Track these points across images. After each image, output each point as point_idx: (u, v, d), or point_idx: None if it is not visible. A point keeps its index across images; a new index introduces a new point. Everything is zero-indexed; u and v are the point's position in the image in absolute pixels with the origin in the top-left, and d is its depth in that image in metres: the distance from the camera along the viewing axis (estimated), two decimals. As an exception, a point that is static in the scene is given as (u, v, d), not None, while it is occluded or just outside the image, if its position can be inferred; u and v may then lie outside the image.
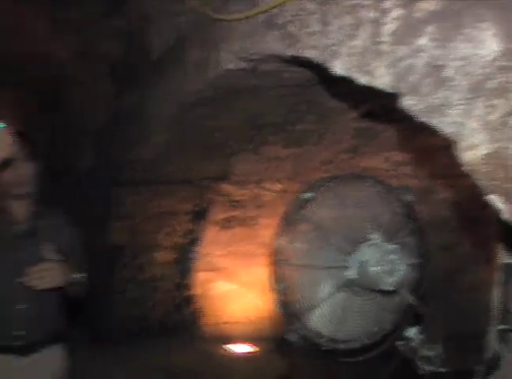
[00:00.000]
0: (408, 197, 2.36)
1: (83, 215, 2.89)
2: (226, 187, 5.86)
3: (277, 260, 2.40)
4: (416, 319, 2.29)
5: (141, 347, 5.87)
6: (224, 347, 6.27)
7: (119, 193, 5.88)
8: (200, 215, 6.09)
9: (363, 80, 2.12)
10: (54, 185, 7.66)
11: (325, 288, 2.37)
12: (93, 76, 6.01)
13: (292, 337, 2.38)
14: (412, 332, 2.22)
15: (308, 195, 2.41)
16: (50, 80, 7.19)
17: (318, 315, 2.40)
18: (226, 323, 6.54)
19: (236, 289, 6.56)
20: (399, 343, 2.25)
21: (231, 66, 3.26)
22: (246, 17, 2.86)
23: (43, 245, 2.64)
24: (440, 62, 1.65)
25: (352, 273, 2.29)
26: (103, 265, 5.59)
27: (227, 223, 6.23)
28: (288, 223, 2.42)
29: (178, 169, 5.42)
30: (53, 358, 2.76)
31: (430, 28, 1.69)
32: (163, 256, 6.29)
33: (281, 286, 2.39)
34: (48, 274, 2.46)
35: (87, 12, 5.04)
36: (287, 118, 4.56)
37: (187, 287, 6.47)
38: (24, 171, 2.69)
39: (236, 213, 6.14)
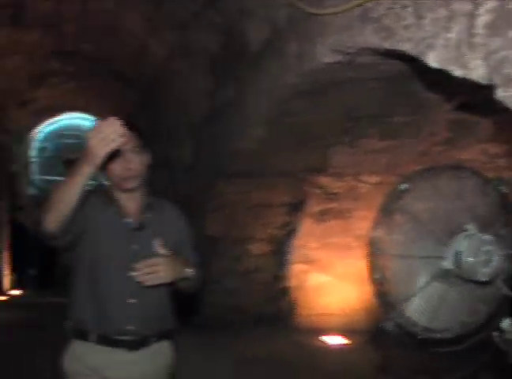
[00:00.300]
0: (504, 189, 2.36)
1: (184, 206, 2.91)
2: (323, 179, 5.91)
3: (374, 250, 2.47)
4: (511, 310, 2.29)
5: (237, 336, 6.04)
6: (318, 338, 6.37)
7: (219, 184, 5.99)
8: (296, 208, 6.18)
9: (457, 72, 2.14)
10: (156, 178, 7.97)
11: (421, 278, 2.41)
12: (194, 70, 6.19)
13: (389, 326, 2.43)
14: (506, 323, 2.23)
15: (404, 186, 2.46)
16: (152, 75, 7.49)
17: (414, 305, 2.45)
18: (321, 314, 6.61)
19: (331, 281, 6.62)
20: (494, 334, 2.26)
21: (327, 60, 3.32)
22: (342, 11, 2.92)
23: (154, 238, 2.58)
24: (535, 53, 1.66)
25: (447, 264, 2.32)
26: (201, 255, 5.73)
27: (323, 216, 6.28)
28: (385, 214, 2.48)
29: (276, 161, 5.50)
30: (162, 353, 2.70)
31: (525, 20, 1.71)
32: (259, 247, 6.44)
33: (378, 276, 2.46)
34: (157, 269, 2.40)
35: (186, 7, 5.22)
36: (383, 110, 4.58)
37: (283, 278, 6.60)
38: (135, 164, 2.60)
39: (332, 205, 6.18)
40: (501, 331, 2.23)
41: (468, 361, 2.79)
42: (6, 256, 10.25)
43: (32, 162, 16.76)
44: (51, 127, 16.46)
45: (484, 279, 2.21)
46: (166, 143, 7.92)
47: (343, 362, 5.62)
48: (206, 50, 5.64)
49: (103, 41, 7.29)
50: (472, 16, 2.00)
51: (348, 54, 3.13)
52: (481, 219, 2.31)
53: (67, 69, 8.82)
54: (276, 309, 6.64)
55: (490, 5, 1.89)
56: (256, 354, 5.66)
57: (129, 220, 2.66)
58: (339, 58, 3.22)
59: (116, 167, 2.54)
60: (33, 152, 16.75)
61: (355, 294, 6.30)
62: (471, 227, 2.28)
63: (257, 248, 6.46)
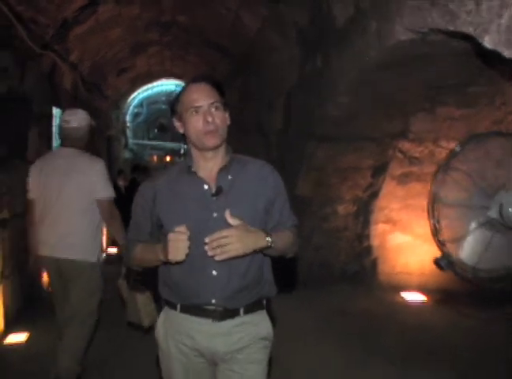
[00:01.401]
0: None
1: (276, 168, 3.07)
2: (405, 144, 6.29)
3: (432, 200, 3.07)
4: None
5: (324, 291, 6.57)
6: (398, 294, 6.76)
7: (308, 147, 6.45)
8: (380, 171, 6.57)
9: (506, 53, 2.68)
10: (249, 142, 8.61)
11: (471, 224, 2.99)
12: (285, 41, 6.72)
13: (442, 263, 3.01)
14: None
15: (459, 148, 3.05)
16: (246, 45, 8.05)
17: (464, 247, 3.03)
18: (401, 272, 6.99)
19: (411, 241, 6.87)
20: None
21: (402, 37, 3.85)
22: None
23: (236, 204, 2.43)
24: None
25: (492, 212, 2.89)
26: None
27: (404, 178, 6.59)
28: (443, 170, 3.09)
29: (361, 127, 5.94)
30: (253, 324, 2.55)
31: None
32: (345, 208, 6.89)
33: (433, 221, 3.06)
34: (226, 242, 2.25)
35: None
36: (459, 81, 4.98)
37: (366, 237, 7.04)
38: (216, 119, 2.45)
39: (413, 169, 6.46)
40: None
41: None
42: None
43: (126, 127, 17.63)
44: (145, 94, 17.22)
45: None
46: (259, 108, 8.53)
47: (419, 317, 6.00)
48: (296, 23, 6.16)
49: (197, 13, 7.91)
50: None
51: (420, 33, 3.66)
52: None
53: (164, 39, 9.53)
54: (359, 267, 7.10)
55: None
56: (341, 307, 6.16)
57: (207, 186, 2.49)
58: (413, 35, 3.75)
59: (196, 122, 2.45)
60: (128, 118, 17.64)
61: (432, 255, 6.27)
62: None
63: (343, 208, 6.89)
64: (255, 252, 2.39)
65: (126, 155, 17.27)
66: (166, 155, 20.61)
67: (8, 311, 5.37)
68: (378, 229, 6.98)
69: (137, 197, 2.66)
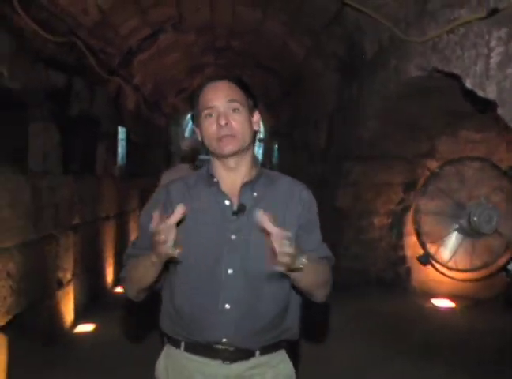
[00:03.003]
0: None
1: (321, 183, 3.32)
2: (432, 163, 6.82)
3: (416, 210, 4.00)
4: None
5: (360, 295, 7.14)
6: (429, 300, 7.26)
7: (346, 165, 7.25)
8: (410, 187, 7.12)
9: (480, 93, 3.48)
10: (297, 158, 9.47)
11: (447, 230, 3.91)
12: (326, 68, 7.56)
13: (423, 259, 3.90)
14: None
15: (437, 170, 3.97)
16: (294, 69, 8.90)
17: (441, 247, 3.95)
18: (432, 280, 7.42)
19: None
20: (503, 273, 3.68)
21: (414, 74, 4.68)
22: (421, 42, 4.30)
23: (257, 227, 1.86)
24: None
25: (463, 221, 3.77)
26: (332, 225, 6.86)
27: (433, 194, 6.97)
28: (425, 187, 4.02)
29: (392, 147, 6.72)
30: (270, 367, 2.22)
31: None
32: (380, 220, 7.54)
33: (416, 226, 4.00)
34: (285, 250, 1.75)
35: (317, 20, 6.55)
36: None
37: (401, 247, 7.58)
38: (232, 122, 2.13)
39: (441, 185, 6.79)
40: (507, 271, 3.65)
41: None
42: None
43: None
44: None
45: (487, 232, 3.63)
46: (306, 128, 9.41)
47: (447, 322, 6.52)
48: (335, 53, 6.99)
49: (249, 39, 8.76)
50: (488, 57, 3.33)
51: (426, 70, 4.46)
52: (486, 194, 3.77)
53: (218, 62, 10.47)
54: (394, 275, 7.69)
55: (498, 50, 3.21)
56: (375, 310, 6.68)
57: (229, 202, 2.16)
58: (421, 73, 4.56)
59: (210, 126, 2.14)
60: (186, 133, 18.52)
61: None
62: (483, 200, 3.72)
63: (378, 220, 7.54)
64: (280, 277, 1.97)
65: (185, 168, 17.80)
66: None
67: (77, 305, 6.20)
68: (411, 240, 7.40)
69: (147, 206, 2.37)
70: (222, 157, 2.18)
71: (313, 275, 2.03)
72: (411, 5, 4.53)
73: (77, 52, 5.91)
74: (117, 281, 6.49)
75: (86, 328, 6.03)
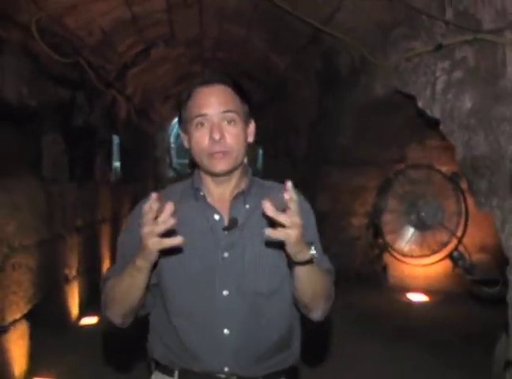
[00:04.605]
0: (458, 181, 4.84)
1: (302, 187, 3.83)
2: (403, 169, 7.55)
3: (374, 208, 5.03)
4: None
5: (340, 291, 7.84)
6: (404, 295, 7.85)
7: (325, 170, 8.06)
8: (384, 190, 7.69)
9: (428, 112, 4.32)
10: (279, 164, 10.24)
11: (402, 223, 4.91)
12: (306, 80, 8.38)
13: (383, 248, 4.97)
14: (455, 253, 4.62)
15: (392, 176, 5.01)
16: (276, 78, 9.69)
17: (397, 237, 5.01)
18: (407, 276, 8.10)
19: None
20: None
21: (380, 92, 5.57)
22: (385, 65, 5.17)
23: (251, 243, 1.97)
24: None
25: (414, 217, 4.83)
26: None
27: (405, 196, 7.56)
28: (381, 190, 5.05)
29: (367, 154, 7.57)
30: None
31: None
32: (358, 220, 8.21)
33: (376, 221, 5.04)
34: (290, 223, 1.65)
35: (296, 38, 7.26)
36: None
37: (377, 246, 8.09)
38: (226, 136, 1.96)
39: (411, 188, 7.43)
40: (452, 257, 4.64)
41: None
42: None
43: (170, 148, 19.00)
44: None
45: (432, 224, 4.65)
46: (288, 134, 10.18)
47: (421, 313, 7.15)
48: (314, 68, 7.79)
49: (233, 51, 9.47)
50: (434, 84, 4.19)
51: (389, 89, 5.33)
52: (434, 195, 4.82)
53: (205, 71, 11.21)
54: (372, 271, 8.28)
55: (442, 78, 4.08)
56: (356, 304, 7.11)
57: (219, 217, 2.02)
58: (386, 91, 5.43)
59: (200, 139, 1.96)
60: (172, 139, 18.95)
61: (435, 260, 7.47)
62: (430, 199, 4.73)
63: (357, 220, 8.20)
64: (282, 288, 2.00)
65: (170, 174, 18.38)
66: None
67: (82, 299, 6.85)
68: (387, 238, 7.84)
69: (128, 223, 2.15)
70: (212, 175, 2.04)
71: (316, 278, 1.94)
72: (377, 32, 5.33)
73: (80, 69, 6.56)
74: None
75: (90, 320, 6.60)
